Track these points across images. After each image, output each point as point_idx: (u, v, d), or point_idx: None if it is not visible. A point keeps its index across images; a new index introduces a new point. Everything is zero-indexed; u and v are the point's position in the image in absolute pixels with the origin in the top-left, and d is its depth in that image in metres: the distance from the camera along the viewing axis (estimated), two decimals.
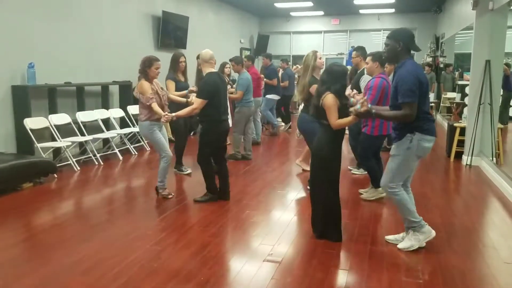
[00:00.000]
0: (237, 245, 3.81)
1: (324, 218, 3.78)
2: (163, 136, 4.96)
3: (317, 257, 3.51)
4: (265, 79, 9.28)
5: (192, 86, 5.96)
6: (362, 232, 4.07)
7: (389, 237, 3.80)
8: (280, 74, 10.21)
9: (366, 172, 5.45)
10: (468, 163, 6.78)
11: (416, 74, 3.29)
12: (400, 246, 3.63)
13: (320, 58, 4.94)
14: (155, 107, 4.69)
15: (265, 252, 3.60)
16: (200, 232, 4.04)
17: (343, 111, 3.53)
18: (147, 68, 4.75)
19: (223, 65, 7.61)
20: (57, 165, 6.07)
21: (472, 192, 5.54)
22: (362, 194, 5.14)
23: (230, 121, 6.12)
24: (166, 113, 4.65)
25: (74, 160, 6.43)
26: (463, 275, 3.24)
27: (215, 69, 4.93)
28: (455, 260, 3.47)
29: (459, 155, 7.08)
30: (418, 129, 3.36)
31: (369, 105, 3.37)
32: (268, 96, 9.42)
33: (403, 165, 3.49)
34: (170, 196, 5.01)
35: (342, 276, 3.20)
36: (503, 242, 3.91)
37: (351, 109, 3.36)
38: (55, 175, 5.88)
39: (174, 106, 5.23)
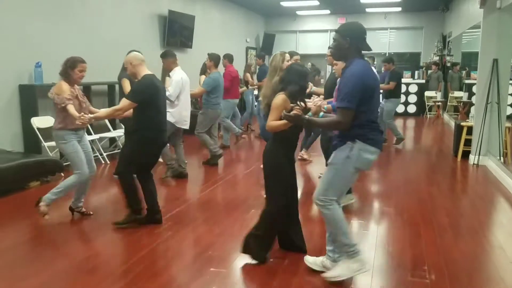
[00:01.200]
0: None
1: (256, 230, 3.38)
2: (85, 149, 4.30)
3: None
4: (256, 82, 9.16)
5: None
6: (368, 233, 4.06)
7: (309, 259, 3.29)
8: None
9: None
10: (475, 162, 6.74)
11: (361, 76, 2.84)
12: (326, 275, 3.08)
13: (288, 61, 4.47)
14: (71, 109, 3.97)
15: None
16: (206, 231, 4.05)
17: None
18: (69, 69, 4.11)
19: (204, 65, 7.35)
20: (64, 163, 6.09)
21: (479, 192, 5.50)
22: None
23: (187, 124, 5.91)
24: (82, 113, 3.90)
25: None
26: (470, 275, 3.22)
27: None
28: (462, 260, 3.45)
29: (466, 154, 7.04)
30: (360, 138, 2.89)
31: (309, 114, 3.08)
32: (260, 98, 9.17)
33: (340, 176, 2.99)
34: (46, 217, 4.20)
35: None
36: (511, 242, 3.88)
37: (283, 113, 2.96)
38: (62, 174, 5.91)
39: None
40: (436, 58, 13.79)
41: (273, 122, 3.18)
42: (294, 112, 2.94)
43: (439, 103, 13.01)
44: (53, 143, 6.19)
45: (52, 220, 4.38)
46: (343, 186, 3.08)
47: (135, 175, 4.20)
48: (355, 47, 2.98)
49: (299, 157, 6.87)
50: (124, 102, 3.96)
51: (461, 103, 9.98)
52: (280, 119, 3.10)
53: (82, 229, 4.12)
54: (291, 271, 3.24)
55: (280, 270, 3.26)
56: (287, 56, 4.50)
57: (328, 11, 15.21)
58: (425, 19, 14.83)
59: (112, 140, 7.63)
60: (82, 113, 3.89)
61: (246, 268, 3.32)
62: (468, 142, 7.01)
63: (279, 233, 3.51)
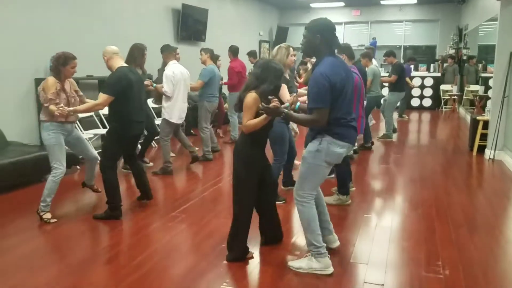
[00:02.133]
0: (256, 236, 3.82)
1: (231, 229, 3.37)
2: (78, 142, 4.36)
3: (334, 254, 3.49)
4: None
5: (146, 80, 5.66)
6: (383, 227, 4.05)
7: (290, 263, 3.25)
8: None
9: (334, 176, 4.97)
10: (491, 157, 6.66)
11: (327, 75, 2.84)
12: (290, 263, 3.21)
13: (292, 56, 4.46)
14: (51, 108, 3.96)
15: (285, 243, 3.61)
16: (220, 223, 4.08)
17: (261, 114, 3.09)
18: (61, 66, 4.08)
19: (216, 58, 7.38)
20: (80, 157, 6.16)
21: (495, 187, 5.44)
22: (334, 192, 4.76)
23: (182, 119, 6.01)
24: (61, 105, 3.92)
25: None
26: (484, 270, 3.20)
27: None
28: (477, 256, 3.43)
29: (481, 149, 6.96)
30: (328, 132, 2.97)
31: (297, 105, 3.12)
32: None
33: (312, 170, 3.06)
34: (52, 221, 4.13)
35: (362, 271, 3.19)
36: None
37: (260, 105, 2.97)
38: (78, 167, 5.98)
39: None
40: (452, 51, 13.59)
41: (250, 121, 3.11)
42: (273, 104, 2.94)
43: (455, 97, 12.85)
44: None
45: (68, 213, 4.45)
46: (317, 180, 3.13)
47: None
48: (327, 44, 2.99)
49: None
50: (101, 96, 4.02)
51: (477, 97, 9.84)
52: (256, 116, 3.10)
53: (96, 222, 4.17)
54: None
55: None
56: (292, 50, 4.46)
57: (342, 3, 15.09)
58: (441, 12, 14.64)
59: (103, 137, 7.57)
60: (62, 105, 3.89)
61: (259, 260, 3.34)
62: (484, 137, 6.92)
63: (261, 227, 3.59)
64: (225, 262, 3.29)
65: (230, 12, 12.58)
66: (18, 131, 6.01)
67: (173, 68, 5.77)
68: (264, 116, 3.04)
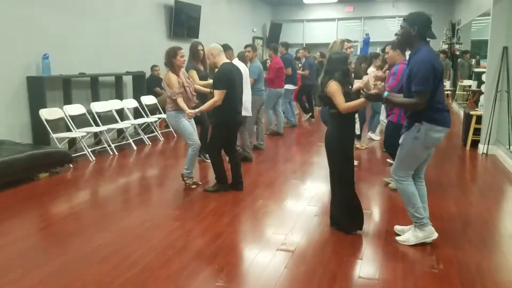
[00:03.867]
0: (250, 234, 3.83)
1: (341, 209, 3.75)
2: (191, 124, 4.96)
3: (330, 247, 3.51)
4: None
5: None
6: (378, 222, 4.06)
7: (397, 227, 3.74)
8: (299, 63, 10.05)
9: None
10: (485, 151, 6.69)
11: (431, 61, 3.12)
12: (397, 238, 3.58)
13: (347, 49, 4.76)
14: (181, 102, 4.70)
15: (279, 241, 3.61)
16: (215, 221, 4.07)
17: (346, 98, 3.49)
18: (172, 58, 4.73)
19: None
20: (73, 155, 6.13)
21: (488, 181, 5.47)
22: (389, 183, 5.05)
23: (249, 111, 6.18)
24: (190, 110, 4.64)
25: (89, 150, 6.50)
26: (479, 265, 3.21)
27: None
28: (471, 250, 3.44)
29: (475, 143, 6.99)
30: (426, 119, 3.19)
31: (386, 93, 3.32)
32: (285, 87, 9.01)
33: (410, 155, 3.35)
34: (193, 186, 4.99)
35: (356, 266, 3.19)
36: None
37: (362, 91, 3.35)
38: (71, 165, 5.95)
39: (199, 96, 5.24)
40: (445, 47, 13.63)
41: (349, 103, 3.47)
42: (375, 91, 3.30)
43: (448, 92, 12.88)
44: (61, 135, 6.26)
45: (62, 210, 4.43)
46: (413, 163, 3.40)
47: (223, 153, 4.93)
48: (421, 35, 3.23)
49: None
50: (216, 92, 4.55)
51: (470, 92, 9.87)
52: (348, 100, 3.48)
53: (92, 219, 4.15)
54: (301, 262, 3.26)
55: (290, 260, 3.27)
56: (346, 44, 4.82)
57: (335, 0, 15.08)
58: (434, 7, 14.66)
59: (120, 131, 7.65)
60: (189, 110, 4.64)
61: (254, 258, 3.33)
62: (477, 131, 6.95)
63: None
64: (221, 258, 3.28)
65: (223, 8, 12.55)
66: (10, 130, 5.96)
67: (243, 65, 6.02)
68: (362, 99, 3.40)
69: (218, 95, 4.55)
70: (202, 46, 6.09)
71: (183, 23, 10.03)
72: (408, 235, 3.52)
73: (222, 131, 4.77)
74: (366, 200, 4.62)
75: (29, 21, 6.17)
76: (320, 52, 10.96)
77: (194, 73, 5.79)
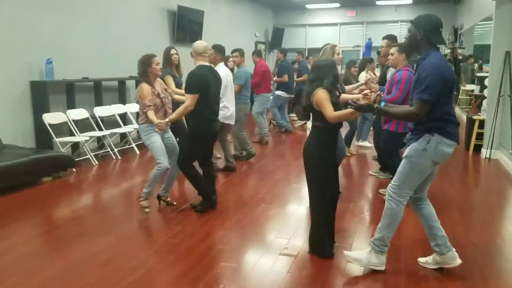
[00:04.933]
0: (252, 238, 3.83)
1: (317, 231, 3.40)
2: (169, 141, 4.48)
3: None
4: (275, 78, 9.11)
5: None
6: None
7: (421, 260, 3.28)
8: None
9: (389, 175, 5.01)
10: (487, 156, 6.68)
11: (440, 69, 2.81)
12: (347, 252, 3.27)
13: (338, 54, 4.56)
14: (150, 114, 4.18)
15: (281, 245, 3.61)
16: (217, 225, 4.07)
17: (334, 108, 3.17)
18: (147, 67, 4.24)
19: (226, 59, 7.33)
20: (76, 159, 6.15)
21: (491, 185, 5.46)
22: (383, 194, 4.93)
23: (233, 120, 5.89)
24: (159, 121, 4.13)
25: (92, 154, 6.52)
26: (481, 269, 3.20)
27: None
28: (473, 254, 3.43)
29: (478, 148, 6.98)
30: (438, 130, 2.88)
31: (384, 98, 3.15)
32: (277, 92, 9.02)
33: (416, 170, 2.97)
34: (146, 210, 4.40)
35: (358, 269, 3.18)
36: None
37: (350, 101, 2.98)
38: (74, 169, 5.96)
39: (175, 104, 4.76)
40: (448, 51, 13.62)
41: (338, 112, 3.15)
42: (365, 101, 3.01)
43: None
44: (64, 139, 6.28)
45: (64, 214, 4.44)
46: (417, 179, 3.04)
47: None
48: (428, 39, 2.95)
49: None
50: (188, 97, 4.15)
51: (473, 97, 9.85)
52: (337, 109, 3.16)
53: (94, 223, 4.16)
54: (304, 267, 3.26)
55: (293, 264, 3.27)
56: (338, 49, 4.59)
57: (337, 4, 15.11)
58: (436, 11, 14.55)
59: (123, 136, 7.67)
60: (159, 121, 4.12)
61: (256, 262, 3.33)
62: (480, 136, 6.94)
63: None
64: (223, 263, 3.29)
65: (226, 13, 12.58)
66: (14, 134, 5.99)
67: (225, 70, 5.63)
68: (350, 110, 3.04)
69: (189, 100, 4.14)
70: (176, 50, 5.82)
71: (186, 28, 10.07)
72: (360, 255, 3.19)
73: (197, 142, 4.34)
74: (364, 205, 4.61)
75: (32, 26, 6.21)
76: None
77: (170, 79, 5.44)
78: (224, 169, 6.01)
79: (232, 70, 7.19)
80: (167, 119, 4.21)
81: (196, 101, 4.15)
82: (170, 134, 4.53)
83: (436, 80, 2.78)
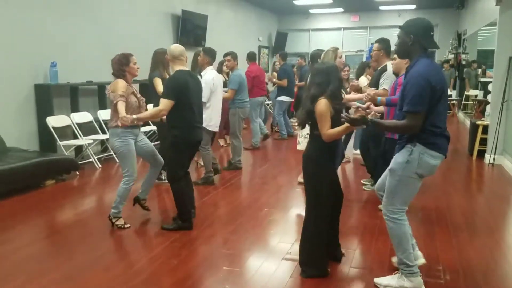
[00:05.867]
0: (255, 243, 3.82)
1: (307, 247, 3.20)
2: (145, 144, 4.21)
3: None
4: (274, 80, 9.07)
5: None
6: (380, 237, 4.04)
7: (377, 280, 3.06)
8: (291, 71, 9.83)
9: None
10: (491, 161, 6.66)
11: (428, 77, 2.64)
12: (377, 279, 3.04)
13: (340, 57, 4.50)
14: (121, 106, 3.80)
15: (284, 250, 3.60)
16: (219, 229, 4.07)
17: (336, 118, 2.98)
18: (124, 66, 3.97)
19: (221, 63, 7.38)
20: (79, 162, 6.17)
21: (495, 191, 5.44)
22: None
23: (217, 127, 5.68)
24: (126, 115, 3.73)
25: (95, 157, 6.53)
26: (485, 275, 3.19)
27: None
28: (477, 260, 3.42)
29: (481, 153, 6.96)
30: (420, 141, 2.72)
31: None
32: (279, 98, 8.90)
33: (403, 184, 2.83)
34: (126, 226, 4.09)
35: (361, 275, 3.17)
36: None
37: (343, 115, 2.83)
38: (77, 173, 5.98)
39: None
40: (451, 56, 13.61)
41: (331, 130, 2.96)
42: (359, 114, 2.90)
43: (454, 101, 12.84)
44: (68, 142, 6.29)
45: (68, 217, 4.44)
46: (408, 194, 2.90)
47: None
48: (419, 45, 2.80)
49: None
50: (163, 102, 3.84)
51: (477, 102, 9.85)
52: (333, 126, 2.98)
53: (97, 227, 4.16)
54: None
55: (295, 269, 3.26)
56: (340, 52, 4.50)
57: (341, 9, 15.14)
58: (440, 17, 14.67)
59: (103, 143, 7.37)
60: (125, 115, 3.73)
61: (259, 267, 3.33)
62: (483, 141, 6.92)
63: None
64: (225, 267, 3.28)
65: (229, 18, 12.62)
66: (18, 137, 6.00)
67: (213, 74, 5.46)
68: (345, 125, 2.89)
69: (163, 105, 3.82)
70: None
71: (189, 32, 10.10)
72: (391, 280, 2.98)
73: (181, 151, 4.04)
74: (367, 210, 4.60)
75: (37, 29, 6.24)
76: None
77: (159, 81, 5.28)
78: (203, 182, 5.60)
79: (227, 74, 7.15)
80: (134, 116, 3.76)
81: (179, 108, 3.88)
82: (142, 136, 4.24)
83: (424, 89, 2.63)
